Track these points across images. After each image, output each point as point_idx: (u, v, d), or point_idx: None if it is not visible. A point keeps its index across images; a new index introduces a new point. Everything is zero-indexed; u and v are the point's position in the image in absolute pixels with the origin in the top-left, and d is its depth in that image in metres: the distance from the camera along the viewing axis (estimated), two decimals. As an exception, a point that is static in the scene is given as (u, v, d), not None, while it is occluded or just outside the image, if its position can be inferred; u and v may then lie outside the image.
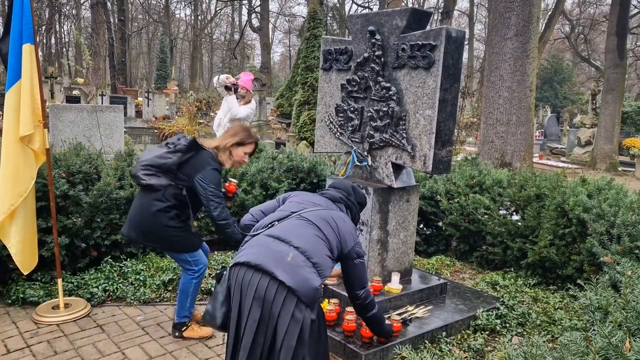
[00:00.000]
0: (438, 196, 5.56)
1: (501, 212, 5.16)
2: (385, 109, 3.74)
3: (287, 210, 2.66)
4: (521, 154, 7.93)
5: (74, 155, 4.69)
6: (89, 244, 4.41)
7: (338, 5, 36.20)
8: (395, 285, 3.81)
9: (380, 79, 3.76)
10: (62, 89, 18.73)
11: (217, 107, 19.87)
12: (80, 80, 20.18)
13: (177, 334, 3.61)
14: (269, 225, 2.56)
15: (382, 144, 3.82)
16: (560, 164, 14.90)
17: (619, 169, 15.81)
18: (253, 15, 35.39)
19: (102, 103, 16.72)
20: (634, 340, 1.94)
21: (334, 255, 2.54)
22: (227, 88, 6.71)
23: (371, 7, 32.53)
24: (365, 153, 3.93)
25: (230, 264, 2.43)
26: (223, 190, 3.63)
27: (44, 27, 29.85)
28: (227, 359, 2.42)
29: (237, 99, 6.66)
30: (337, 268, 3.80)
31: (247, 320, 2.28)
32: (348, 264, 2.69)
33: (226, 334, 2.46)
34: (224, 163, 3.46)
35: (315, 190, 5.87)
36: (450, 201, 5.44)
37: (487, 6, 29.19)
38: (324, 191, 2.95)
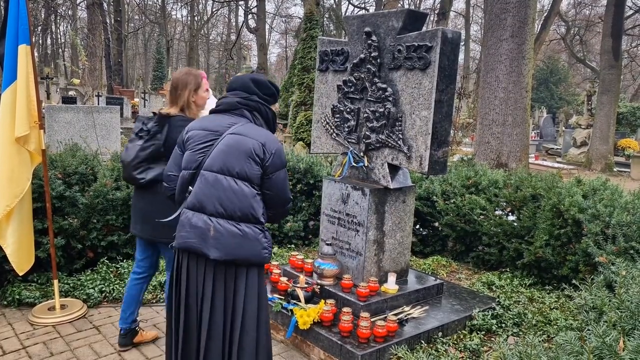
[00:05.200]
0: (434, 197, 5.57)
1: (497, 212, 5.17)
2: (381, 109, 3.74)
3: (190, 164, 2.47)
4: (517, 155, 7.95)
5: (70, 156, 4.68)
6: (85, 245, 4.40)
7: (334, 6, 36.22)
8: (391, 285, 3.82)
9: (376, 80, 3.77)
10: (58, 90, 18.70)
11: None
12: (76, 81, 20.11)
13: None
14: (187, 195, 2.48)
15: (378, 145, 3.83)
16: (556, 165, 14.93)
17: (615, 169, 15.88)
18: (249, 16, 35.37)
19: (98, 104, 16.67)
20: (628, 340, 1.95)
21: (258, 181, 2.44)
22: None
23: (367, 8, 32.57)
24: (362, 154, 3.94)
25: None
26: None
27: (39, 28, 29.77)
28: None
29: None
30: (334, 268, 3.83)
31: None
32: (270, 177, 2.47)
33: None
34: (196, 116, 3.25)
35: (312, 191, 5.88)
36: (446, 202, 5.46)
37: (483, 7, 29.26)
38: (220, 101, 2.60)
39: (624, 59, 23.38)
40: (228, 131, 2.44)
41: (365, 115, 3.88)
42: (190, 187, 2.45)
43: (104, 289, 4.20)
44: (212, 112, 2.60)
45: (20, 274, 3.83)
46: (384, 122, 3.74)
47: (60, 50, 40.39)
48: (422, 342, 3.48)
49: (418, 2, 36.40)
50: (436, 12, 25.24)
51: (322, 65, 4.24)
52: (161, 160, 3.11)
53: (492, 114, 8.01)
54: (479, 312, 3.84)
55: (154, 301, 4.21)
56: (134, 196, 3.32)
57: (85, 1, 27.43)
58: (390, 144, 3.73)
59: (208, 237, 2.37)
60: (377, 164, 3.89)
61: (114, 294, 4.18)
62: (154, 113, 3.23)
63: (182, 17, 47.75)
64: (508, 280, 4.66)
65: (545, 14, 23.58)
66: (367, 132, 3.88)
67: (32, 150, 3.68)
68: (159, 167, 3.10)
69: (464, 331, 3.72)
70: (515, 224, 4.92)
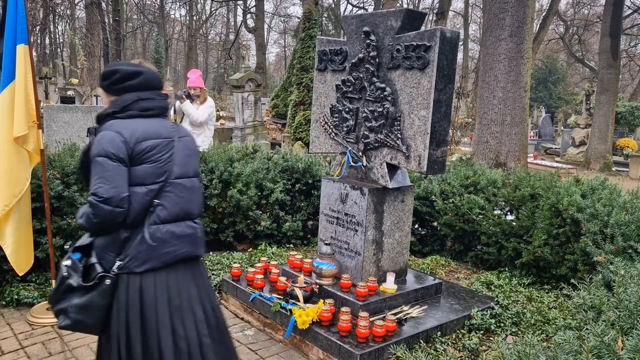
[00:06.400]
0: (433, 196, 5.57)
1: (496, 212, 5.17)
2: (380, 109, 3.75)
3: (157, 177, 2.30)
4: (516, 154, 7.96)
5: (68, 156, 4.67)
6: (84, 244, 4.39)
7: (333, 6, 36.21)
8: (390, 285, 3.82)
9: (375, 79, 3.77)
10: (56, 90, 18.65)
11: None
12: (74, 80, 20.05)
13: None
14: (152, 210, 2.27)
15: (377, 145, 3.83)
16: (555, 164, 14.93)
17: (613, 169, 15.89)
18: (248, 16, 35.33)
19: (96, 103, 16.64)
20: (627, 339, 1.95)
21: None
22: (178, 97, 6.47)
23: (366, 7, 32.56)
24: (360, 153, 3.94)
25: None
26: None
27: (38, 28, 29.69)
28: None
29: (192, 101, 6.34)
30: (332, 268, 3.83)
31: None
32: None
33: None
34: None
35: (311, 191, 5.88)
36: (445, 201, 5.46)
37: (481, 7, 29.26)
38: (151, 104, 2.38)
39: (622, 59, 23.40)
40: (177, 135, 2.41)
41: (364, 114, 3.88)
42: (155, 201, 2.28)
43: (102, 288, 4.19)
44: (128, 116, 2.31)
45: (20, 274, 3.83)
46: (382, 121, 3.74)
47: (58, 50, 40.27)
48: (421, 341, 3.48)
49: (417, 1, 36.40)
50: (435, 11, 25.24)
51: (321, 64, 4.24)
52: None
53: (491, 113, 8.02)
54: (477, 311, 3.84)
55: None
56: None
57: (83, 1, 27.38)
58: (388, 144, 3.73)
59: (197, 238, 2.43)
60: (375, 164, 3.89)
61: (112, 294, 4.17)
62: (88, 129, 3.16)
63: (180, 16, 47.71)
64: (507, 279, 4.66)
65: (543, 14, 23.59)
66: (365, 132, 3.88)
67: (30, 150, 3.67)
68: None
69: (462, 330, 3.72)
70: (514, 223, 4.92)
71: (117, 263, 2.22)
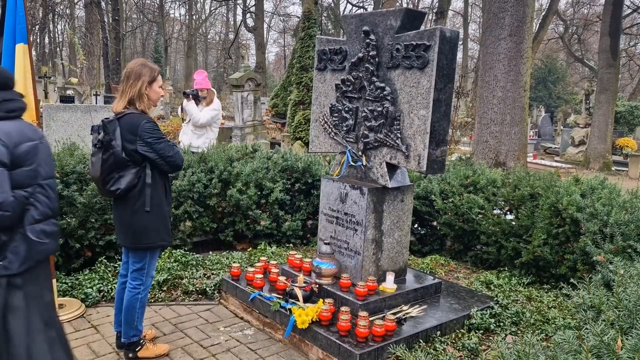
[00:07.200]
0: (432, 196, 5.57)
1: (495, 211, 5.18)
2: (379, 109, 3.74)
3: (33, 179, 2.32)
4: (515, 154, 7.96)
5: (68, 155, 4.68)
6: (83, 244, 4.40)
7: (333, 5, 36.18)
8: (389, 284, 3.82)
9: (374, 79, 3.77)
10: (55, 89, 18.64)
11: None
12: (74, 80, 20.06)
13: (130, 355, 3.33)
14: (27, 210, 2.31)
15: (376, 144, 3.82)
16: (554, 164, 14.94)
17: (613, 168, 15.90)
18: (248, 15, 35.33)
19: (96, 103, 16.64)
20: (626, 339, 1.95)
21: None
22: (185, 94, 6.45)
23: (366, 7, 32.54)
24: (360, 153, 3.94)
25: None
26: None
27: (37, 27, 29.67)
28: None
29: (199, 102, 6.33)
30: (332, 268, 3.83)
31: None
32: None
33: None
34: (147, 111, 3.20)
35: (310, 190, 5.88)
36: (444, 201, 5.46)
37: (481, 6, 29.25)
38: (15, 105, 2.35)
39: (622, 58, 23.40)
40: (37, 136, 2.38)
41: (364, 114, 3.88)
42: (30, 200, 2.31)
43: (102, 288, 4.20)
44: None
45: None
46: (382, 121, 3.74)
47: (58, 49, 40.23)
48: (421, 341, 3.48)
49: (416, 1, 36.38)
50: (434, 11, 25.25)
51: (321, 64, 4.24)
52: (127, 165, 3.08)
53: (491, 113, 8.02)
54: (477, 311, 3.84)
55: (152, 300, 4.20)
56: (112, 206, 3.29)
57: (82, 0, 27.36)
58: (388, 143, 3.73)
59: (57, 235, 2.51)
60: (375, 163, 3.89)
61: (112, 294, 4.17)
62: (103, 121, 3.15)
63: (180, 15, 47.73)
64: (506, 279, 4.67)
65: (543, 13, 23.60)
66: (365, 131, 3.88)
67: (29, 150, 3.66)
68: (130, 173, 3.07)
69: (462, 330, 3.72)
70: (514, 223, 4.92)
71: None
